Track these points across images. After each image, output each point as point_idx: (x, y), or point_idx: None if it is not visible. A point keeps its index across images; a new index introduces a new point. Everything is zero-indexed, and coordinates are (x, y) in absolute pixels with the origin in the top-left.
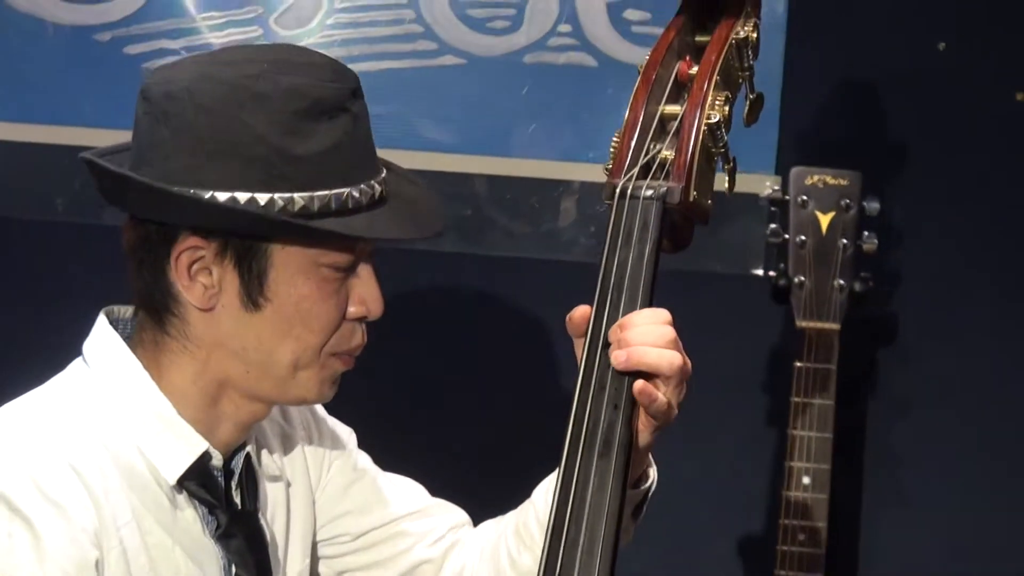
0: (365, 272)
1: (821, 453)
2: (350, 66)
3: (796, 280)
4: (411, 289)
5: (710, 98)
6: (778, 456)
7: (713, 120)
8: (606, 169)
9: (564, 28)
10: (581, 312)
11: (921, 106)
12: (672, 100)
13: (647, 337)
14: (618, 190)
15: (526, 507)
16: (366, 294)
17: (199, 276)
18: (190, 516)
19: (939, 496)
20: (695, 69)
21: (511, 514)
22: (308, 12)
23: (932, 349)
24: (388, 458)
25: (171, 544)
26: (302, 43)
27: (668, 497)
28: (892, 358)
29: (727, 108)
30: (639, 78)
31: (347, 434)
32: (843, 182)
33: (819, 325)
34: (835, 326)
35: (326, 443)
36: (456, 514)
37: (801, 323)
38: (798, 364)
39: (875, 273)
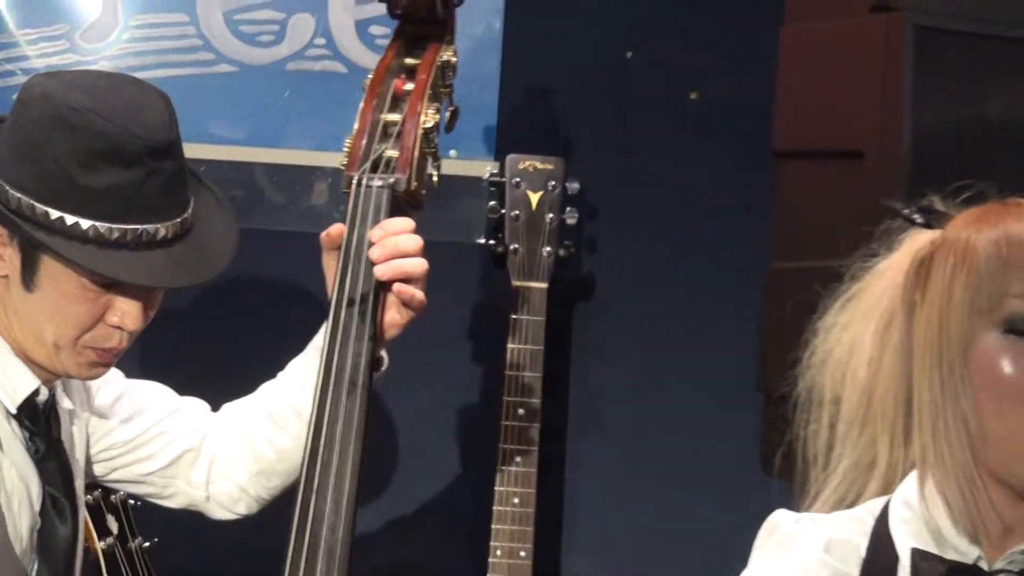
0: (132, 292)
1: (532, 389)
2: (141, 74)
3: (512, 248)
4: None
5: (423, 109)
6: (499, 392)
7: (428, 126)
8: (342, 164)
9: (319, 41)
10: (337, 229)
11: (613, 103)
12: (392, 110)
13: (404, 247)
14: (354, 181)
15: (274, 395)
16: (126, 310)
17: None
18: (20, 441)
19: (632, 422)
20: (409, 85)
21: (258, 401)
22: (107, 29)
23: (623, 302)
24: None
25: (8, 464)
26: (102, 55)
27: (410, 424)
28: (590, 310)
29: (437, 116)
30: (366, 93)
31: None
32: (549, 167)
33: (531, 284)
34: (543, 285)
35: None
36: (201, 406)
37: (516, 283)
38: (514, 317)
39: (575, 241)
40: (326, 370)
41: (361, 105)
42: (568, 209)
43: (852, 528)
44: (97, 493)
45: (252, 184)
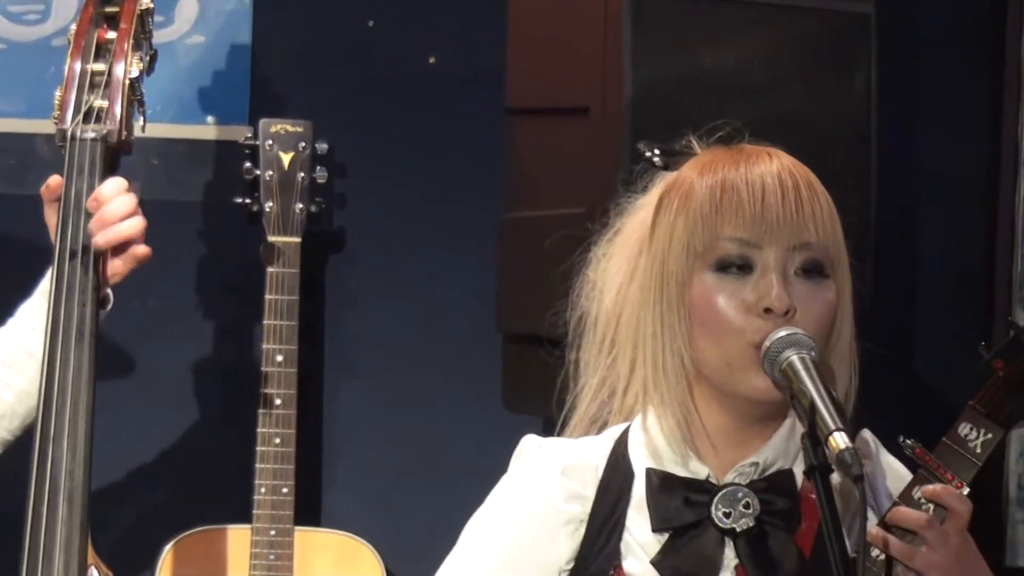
0: None
1: (289, 337)
2: None
3: (267, 206)
4: None
5: (129, 58)
6: (259, 341)
7: (134, 75)
8: (54, 118)
9: None
10: (56, 180)
11: (359, 69)
12: (97, 59)
13: (118, 212)
14: (68, 134)
15: (6, 341)
16: None
17: None
18: None
19: (384, 365)
20: (112, 34)
21: None
22: None
23: (372, 253)
24: None
25: None
26: None
27: (178, 373)
28: (341, 261)
29: (142, 64)
30: (71, 45)
31: None
32: (299, 129)
33: (285, 239)
34: (297, 240)
35: None
36: None
37: (271, 238)
38: (270, 270)
39: (326, 198)
40: (54, 321)
41: (68, 57)
42: (318, 168)
43: (591, 452)
44: None
45: (33, 153)
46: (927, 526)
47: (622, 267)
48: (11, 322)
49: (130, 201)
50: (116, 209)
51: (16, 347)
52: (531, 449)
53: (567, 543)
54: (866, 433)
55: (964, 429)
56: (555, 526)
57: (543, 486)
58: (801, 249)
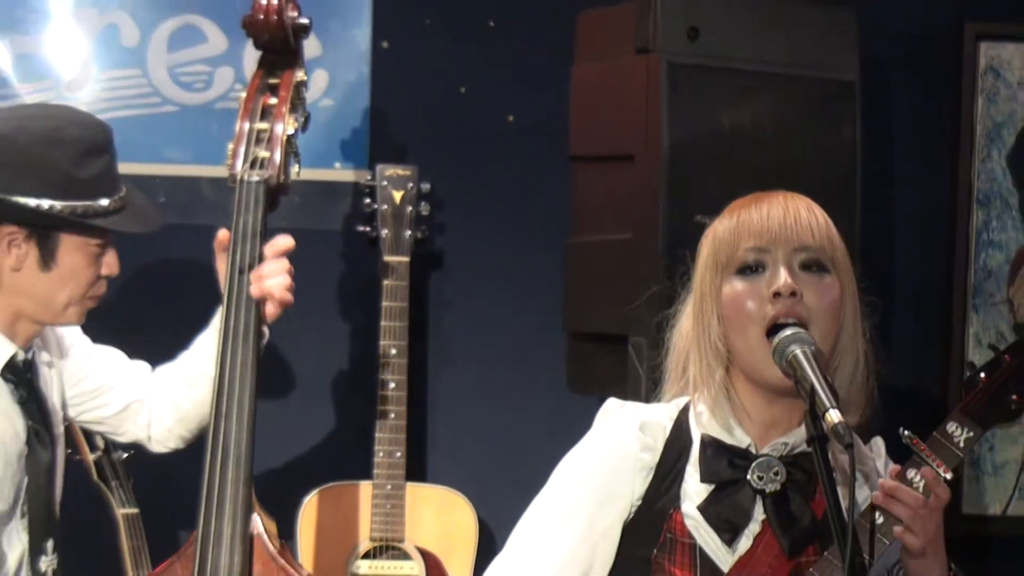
0: (112, 248)
1: (401, 334)
2: (111, 114)
3: (383, 233)
4: (165, 253)
5: (286, 119)
6: (378, 337)
7: (290, 132)
8: (227, 165)
9: (238, 86)
10: (224, 235)
11: (453, 125)
12: (262, 119)
13: (274, 283)
14: (238, 177)
15: (188, 363)
16: (111, 262)
17: (12, 249)
18: (7, 391)
19: (475, 355)
20: (273, 100)
21: (177, 367)
22: (82, 82)
23: (465, 269)
24: None
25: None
26: (80, 101)
27: (315, 363)
28: (441, 276)
29: (296, 124)
30: (241, 107)
31: (75, 333)
32: (408, 172)
33: (397, 259)
34: (406, 259)
35: (67, 340)
36: (145, 366)
37: (386, 258)
38: (385, 282)
39: (429, 226)
40: (225, 324)
41: (238, 117)
42: (423, 203)
43: (662, 414)
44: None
45: (199, 193)
46: (920, 504)
47: (686, 317)
48: (192, 347)
49: (280, 269)
50: (269, 270)
51: (195, 369)
52: (615, 408)
53: (640, 485)
54: (878, 439)
55: (951, 427)
56: (634, 471)
57: (625, 437)
58: (802, 250)
